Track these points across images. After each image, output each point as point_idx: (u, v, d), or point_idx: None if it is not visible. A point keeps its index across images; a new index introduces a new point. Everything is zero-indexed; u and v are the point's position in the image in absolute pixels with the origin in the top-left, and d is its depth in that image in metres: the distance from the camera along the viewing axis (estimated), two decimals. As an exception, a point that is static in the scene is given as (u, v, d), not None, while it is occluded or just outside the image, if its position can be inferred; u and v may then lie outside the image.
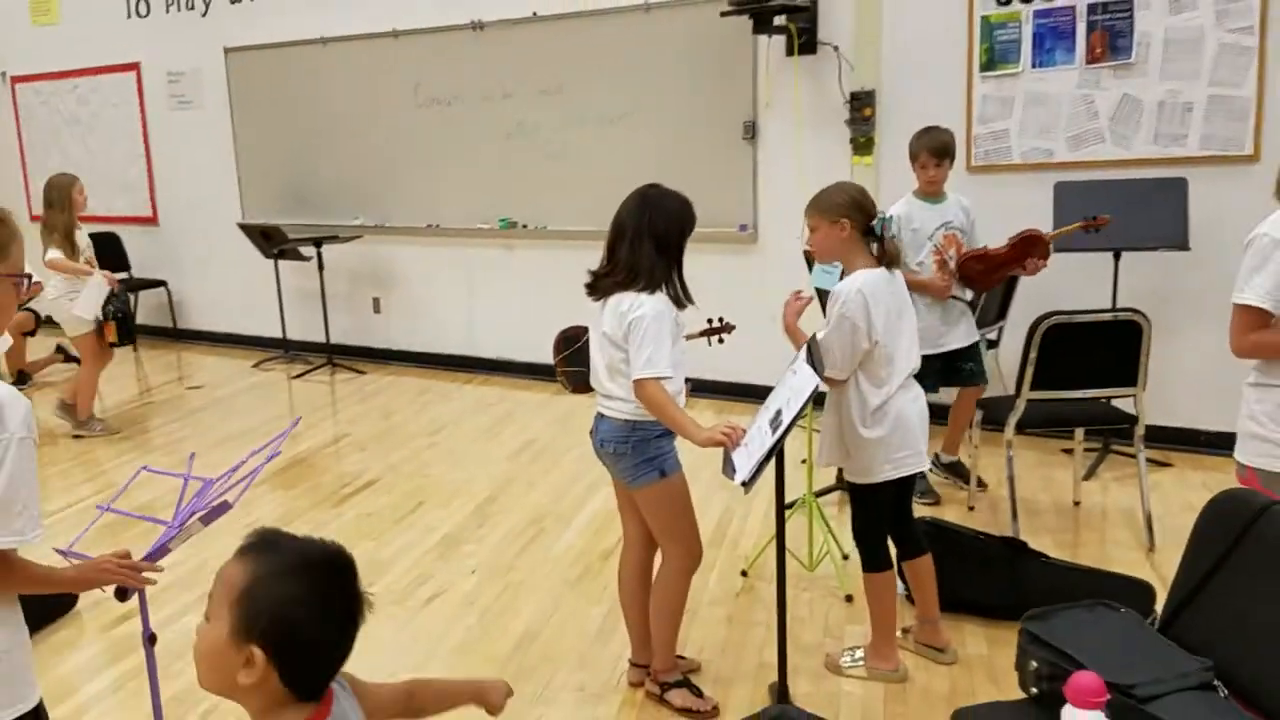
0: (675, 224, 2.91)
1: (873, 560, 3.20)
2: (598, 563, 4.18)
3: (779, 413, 2.68)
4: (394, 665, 3.43)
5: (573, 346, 3.15)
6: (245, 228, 7.90)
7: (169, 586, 3.88)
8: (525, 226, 7.12)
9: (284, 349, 8.15)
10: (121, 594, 2.09)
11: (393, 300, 7.91)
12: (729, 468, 2.79)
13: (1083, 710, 1.82)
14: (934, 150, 4.48)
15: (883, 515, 3.21)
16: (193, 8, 8.27)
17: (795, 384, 2.70)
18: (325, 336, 7.75)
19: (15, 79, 9.45)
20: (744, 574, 4.04)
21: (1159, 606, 2.61)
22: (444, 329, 7.68)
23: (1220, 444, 4.84)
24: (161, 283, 8.92)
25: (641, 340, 2.79)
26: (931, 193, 4.58)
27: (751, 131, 6.17)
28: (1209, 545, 2.09)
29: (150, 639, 2.25)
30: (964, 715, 2.17)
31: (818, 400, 2.83)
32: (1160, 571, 3.78)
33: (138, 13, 8.58)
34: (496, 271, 7.32)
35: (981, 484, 4.74)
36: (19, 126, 9.56)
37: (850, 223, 2.98)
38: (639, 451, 2.92)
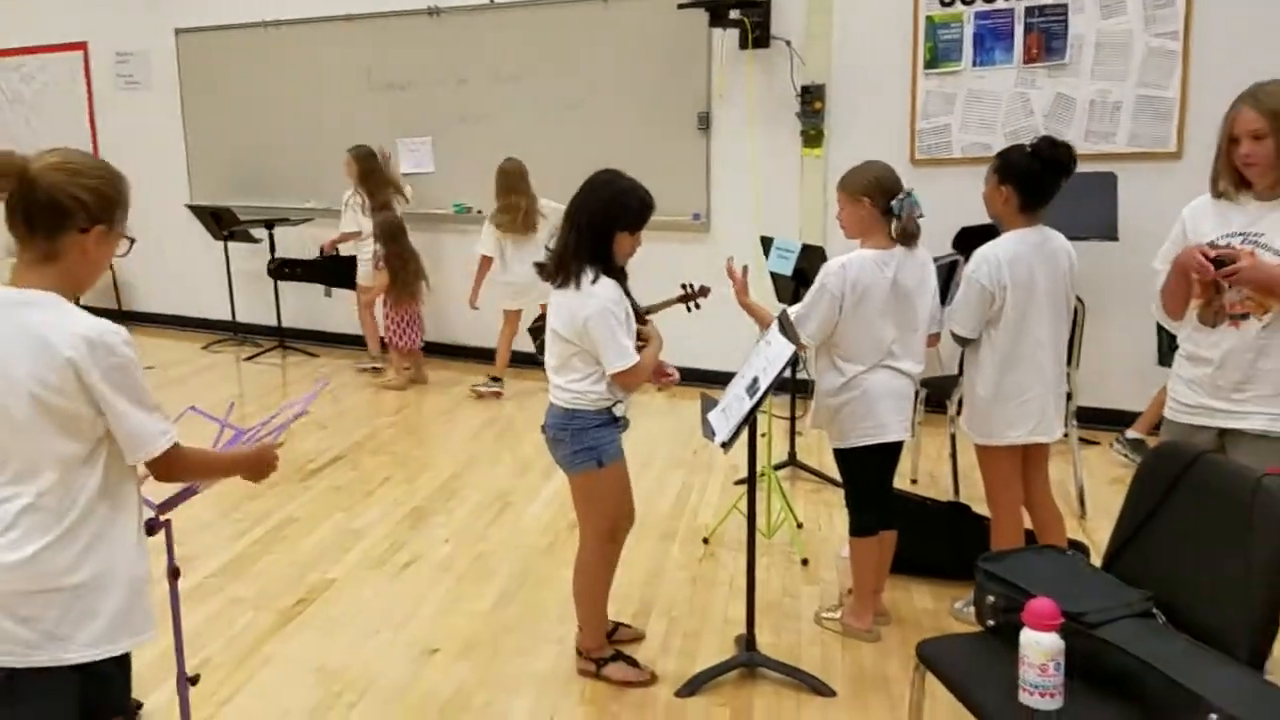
0: (600, 211, 2.92)
1: (853, 524, 3.42)
2: (566, 532, 4.35)
3: (755, 380, 2.88)
4: (378, 624, 3.58)
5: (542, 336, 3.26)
6: (195, 209, 7.90)
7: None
8: (480, 212, 7.24)
9: (233, 331, 8.15)
10: (150, 529, 2.22)
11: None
12: (708, 430, 2.99)
13: (1040, 632, 2.05)
14: None
15: (859, 481, 3.40)
16: (142, -12, 8.24)
17: (770, 354, 2.90)
18: (277, 319, 7.78)
19: (-48, 56, 9.28)
20: (705, 541, 4.25)
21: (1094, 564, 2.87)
22: (397, 312, 7.75)
23: (1143, 422, 5.18)
24: (106, 264, 8.84)
25: (604, 338, 2.86)
26: None
27: (705, 122, 6.38)
28: (1147, 491, 2.34)
29: (174, 573, 2.39)
30: (928, 645, 2.39)
31: (780, 386, 3.01)
32: (1092, 538, 4.07)
33: (84, -8, 8.52)
34: (451, 256, 7.43)
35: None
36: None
37: (870, 200, 3.19)
38: (577, 439, 3.00)
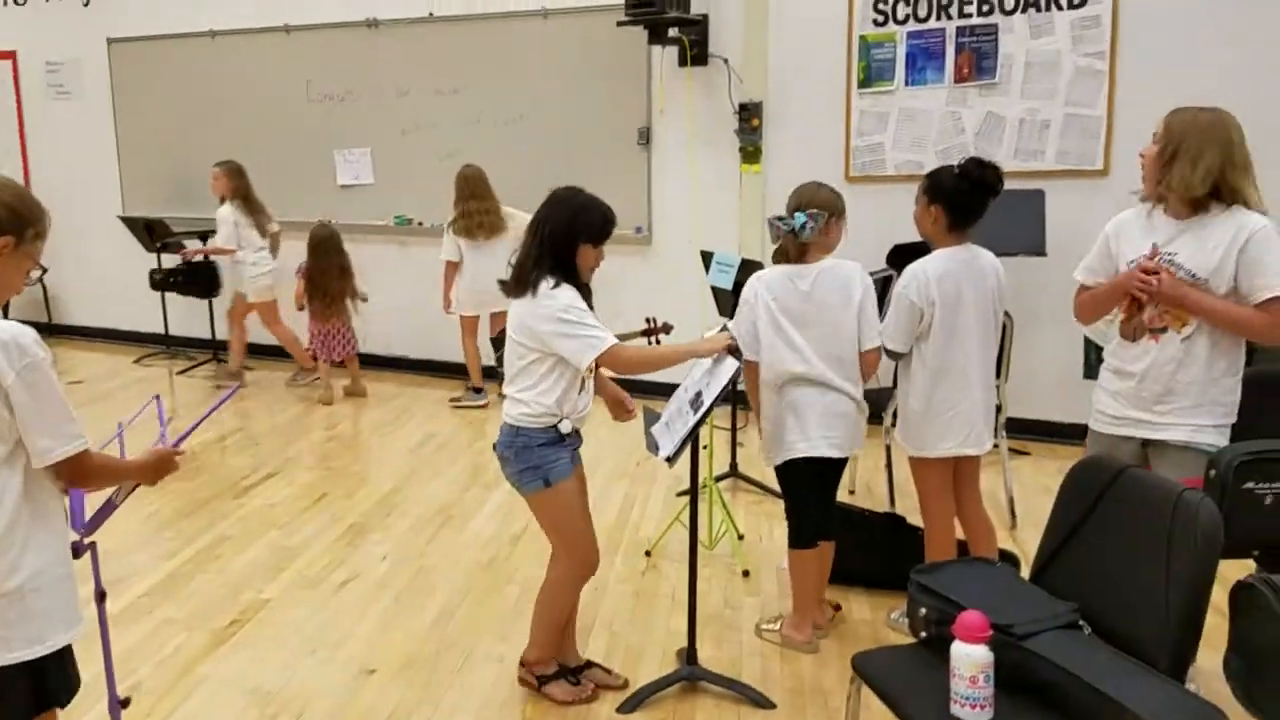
0: (564, 224, 2.93)
1: (791, 537, 3.45)
2: (507, 547, 4.34)
3: (699, 394, 2.91)
4: (314, 643, 3.54)
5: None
6: (127, 220, 7.74)
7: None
8: (421, 224, 7.20)
9: (166, 344, 8.00)
10: (75, 552, 2.19)
11: (281, 297, 7.84)
12: (651, 444, 3.01)
13: (970, 645, 2.10)
14: None
15: (796, 495, 3.44)
16: (73, -5, 8.07)
17: (714, 368, 2.93)
18: (210, 332, 7.65)
19: None
20: (648, 554, 4.26)
21: (1024, 573, 2.94)
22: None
23: (1072, 434, 5.30)
24: (33, 276, 8.62)
25: (564, 334, 2.83)
26: None
27: (646, 138, 6.43)
28: (1073, 505, 2.41)
29: (100, 596, 2.36)
30: (862, 659, 2.43)
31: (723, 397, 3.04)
32: (1023, 547, 4.16)
33: (15, 0, 8.31)
34: (391, 268, 7.37)
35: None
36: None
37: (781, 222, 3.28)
38: (521, 458, 2.96)
